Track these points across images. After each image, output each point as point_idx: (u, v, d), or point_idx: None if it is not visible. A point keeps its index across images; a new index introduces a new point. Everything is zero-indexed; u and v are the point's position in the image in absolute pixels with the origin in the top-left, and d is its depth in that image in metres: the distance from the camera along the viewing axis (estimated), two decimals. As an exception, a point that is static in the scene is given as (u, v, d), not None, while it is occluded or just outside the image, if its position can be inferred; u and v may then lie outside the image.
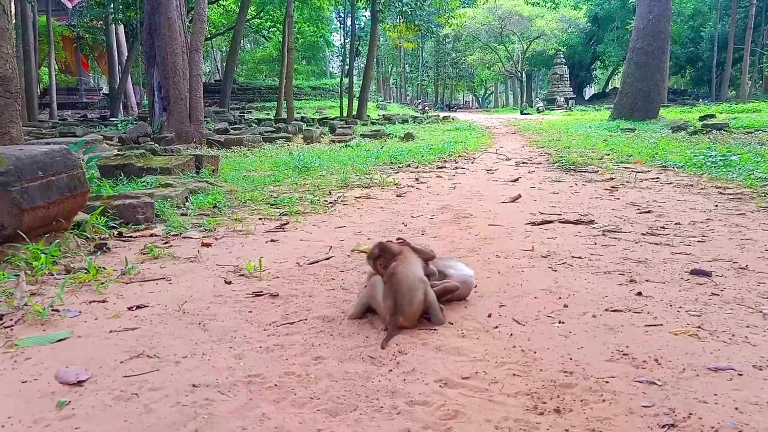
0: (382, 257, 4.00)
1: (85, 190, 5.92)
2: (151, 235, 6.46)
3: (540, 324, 3.67)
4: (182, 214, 7.57)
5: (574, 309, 3.90)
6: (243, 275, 4.86)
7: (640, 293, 4.15)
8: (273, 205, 8.43)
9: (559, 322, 3.67)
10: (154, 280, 4.74)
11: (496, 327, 3.65)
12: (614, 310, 3.83)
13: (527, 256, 5.39)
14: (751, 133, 19.60)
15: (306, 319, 3.80)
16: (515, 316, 3.83)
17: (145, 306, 4.08)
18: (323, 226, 6.94)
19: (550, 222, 6.94)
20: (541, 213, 7.54)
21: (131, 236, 6.39)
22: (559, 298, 4.13)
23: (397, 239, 4.16)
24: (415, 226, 6.89)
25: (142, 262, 5.30)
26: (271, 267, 5.13)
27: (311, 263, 5.26)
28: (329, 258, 5.43)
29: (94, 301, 4.20)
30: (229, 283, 4.63)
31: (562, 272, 4.78)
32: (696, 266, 4.84)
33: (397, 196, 9.42)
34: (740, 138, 18.02)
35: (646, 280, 4.49)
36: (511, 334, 3.52)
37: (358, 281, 4.66)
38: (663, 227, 6.55)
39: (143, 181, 9.85)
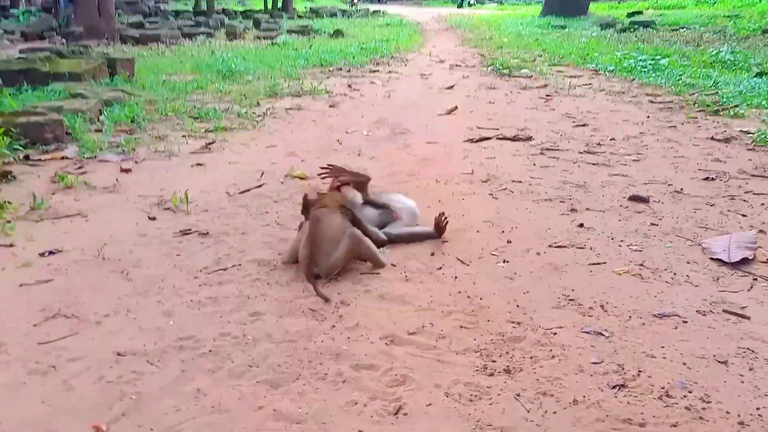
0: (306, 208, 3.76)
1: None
2: (63, 158, 5.92)
3: (484, 264, 3.57)
4: (97, 131, 6.97)
5: (517, 245, 3.81)
6: (168, 209, 4.52)
7: (582, 225, 4.10)
8: (197, 118, 7.88)
9: (504, 261, 3.58)
10: (69, 216, 4.34)
11: (440, 268, 3.53)
12: (558, 246, 3.77)
13: (467, 180, 5.24)
14: (677, 30, 19.75)
15: (240, 264, 3.56)
16: (459, 254, 3.71)
17: (60, 251, 3.73)
18: (253, 145, 6.55)
19: (488, 139, 6.78)
20: (479, 128, 7.36)
21: (39, 159, 5.83)
22: (502, 231, 4.03)
23: (328, 166, 3.88)
24: (350, 145, 6.59)
25: (53, 194, 4.85)
26: (199, 198, 4.79)
27: (242, 192, 4.94)
28: (261, 185, 5.13)
29: (1, 246, 3.79)
30: (154, 219, 4.29)
31: (503, 200, 4.68)
32: (634, 191, 4.82)
33: (330, 106, 9.01)
34: (666, 36, 18.14)
35: (587, 209, 4.45)
36: (456, 277, 3.40)
37: (294, 214, 4.41)
38: (599, 144, 6.51)
39: (50, 90, 9.01)
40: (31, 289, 3.25)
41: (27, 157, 5.84)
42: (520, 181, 5.14)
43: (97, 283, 3.33)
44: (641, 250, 3.70)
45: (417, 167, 5.67)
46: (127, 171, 5.48)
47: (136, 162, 5.77)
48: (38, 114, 6.54)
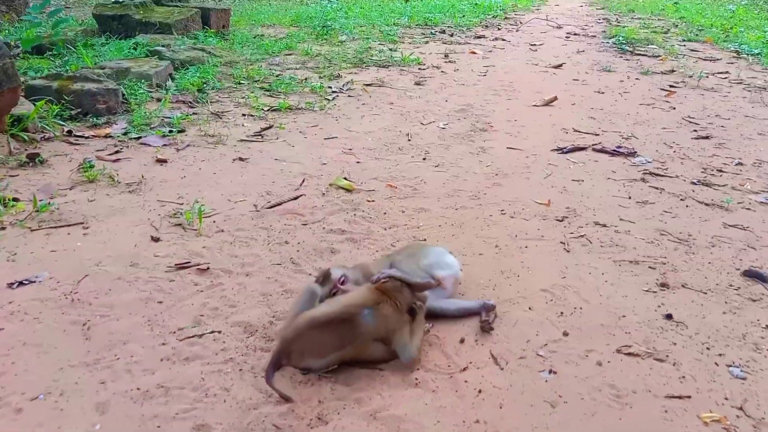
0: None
1: (15, 86, 4.91)
2: (107, 136, 5.51)
3: (524, 371, 2.73)
4: (158, 100, 6.52)
5: (575, 341, 2.93)
6: (180, 225, 3.94)
7: (670, 316, 3.11)
8: (268, 90, 7.30)
9: (550, 372, 2.71)
10: (69, 225, 3.87)
11: (465, 369, 2.73)
12: (629, 354, 2.85)
13: (540, 215, 4.30)
14: None
15: (220, 332, 2.92)
16: (495, 346, 2.88)
17: (31, 282, 3.24)
18: (311, 134, 5.86)
19: (583, 149, 5.72)
20: (576, 131, 6.28)
21: (82, 136, 5.45)
22: (561, 314, 3.14)
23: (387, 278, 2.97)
24: (419, 143, 5.76)
25: (70, 188, 4.41)
26: (221, 209, 4.19)
27: (272, 207, 4.28)
28: (298, 197, 4.44)
29: (-25, 266, 3.36)
30: (157, 240, 3.73)
31: (576, 255, 3.74)
32: (753, 260, 3.73)
33: (415, 84, 8.14)
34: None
35: (683, 285, 3.44)
36: (480, 391, 2.60)
37: (317, 249, 3.71)
38: (720, 170, 5.30)
39: (133, 43, 8.69)
40: (-27, 339, 2.77)
41: (69, 132, 5.46)
42: (605, 225, 4.14)
43: (48, 341, 2.82)
44: (745, 379, 2.71)
45: (485, 186, 4.78)
46: (162, 162, 4.97)
47: (177, 149, 5.25)
48: (94, 81, 6.15)
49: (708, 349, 2.89)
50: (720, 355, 2.85)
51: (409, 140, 5.86)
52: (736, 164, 5.46)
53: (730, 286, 3.45)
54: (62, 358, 2.72)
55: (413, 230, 4.04)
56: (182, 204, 4.22)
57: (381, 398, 2.54)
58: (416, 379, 2.67)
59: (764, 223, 4.27)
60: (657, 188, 4.85)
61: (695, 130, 6.47)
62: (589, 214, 4.34)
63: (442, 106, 7.14)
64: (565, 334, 2.98)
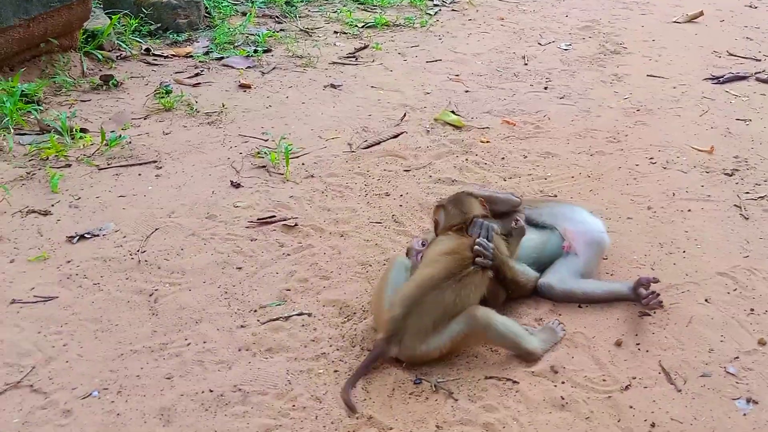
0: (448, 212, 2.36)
1: (86, -4, 4.34)
2: (187, 56, 4.94)
3: (708, 394, 2.05)
4: (243, 14, 5.88)
5: (778, 355, 2.15)
6: (264, 167, 3.35)
7: None
8: (362, 4, 6.46)
9: (749, 401, 1.98)
10: (141, 164, 3.38)
11: (627, 387, 2.06)
12: None
13: (701, 164, 3.44)
14: None
15: (310, 314, 2.37)
16: (665, 355, 2.17)
17: (94, 235, 2.76)
18: (411, 56, 5.08)
19: (743, 78, 4.66)
20: (731, 54, 5.17)
21: (161, 55, 4.91)
22: (752, 310, 2.38)
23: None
24: (537, 67, 4.88)
25: (145, 118, 3.91)
26: (312, 147, 3.59)
27: (369, 146, 3.62)
28: (398, 135, 3.75)
29: (33, 212, 2.92)
30: (237, 186, 3.18)
31: (758, 226, 2.91)
32: None
33: (528, -5, 7.05)
34: None
35: None
36: (654, 425, 1.92)
37: (423, 203, 3.06)
38: None
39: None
40: (20, 313, 2.31)
41: (148, 51, 4.92)
42: (792, 182, 3.23)
43: (108, 315, 2.34)
44: None
45: (625, 125, 3.92)
46: (246, 87, 4.37)
47: (262, 72, 4.63)
48: (177, -9, 5.52)
49: None
50: None
51: (526, 64, 4.98)
52: None
53: None
54: (124, 339, 2.24)
55: (539, 182, 3.30)
56: (266, 140, 3.63)
57: (518, 425, 1.91)
58: (562, 397, 2.01)
59: None
60: None
61: None
62: (765, 167, 3.43)
63: (563, 22, 6.11)
64: (762, 343, 2.22)
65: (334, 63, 4.87)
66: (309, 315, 2.34)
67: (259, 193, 3.13)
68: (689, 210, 3.03)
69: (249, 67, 4.72)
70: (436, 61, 4.98)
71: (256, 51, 4.95)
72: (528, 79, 4.67)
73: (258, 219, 2.90)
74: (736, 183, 3.27)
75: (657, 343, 2.24)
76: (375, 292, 2.26)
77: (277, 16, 5.97)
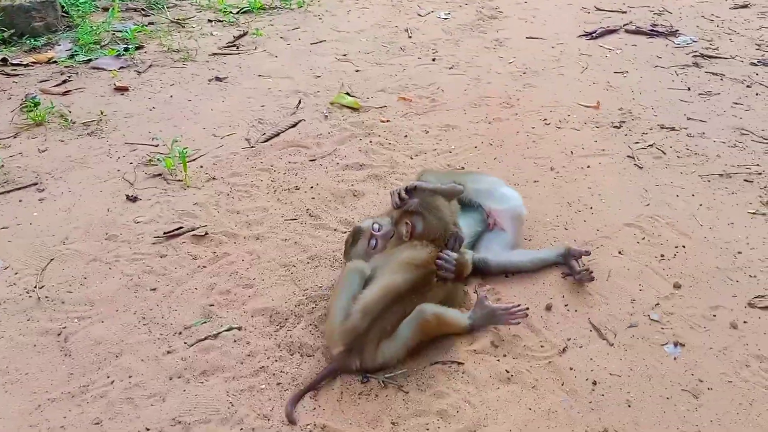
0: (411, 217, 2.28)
1: None
2: (50, 62, 4.53)
3: (639, 345, 2.15)
4: (104, 9, 5.46)
5: (693, 298, 2.33)
6: (160, 175, 3.14)
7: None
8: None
9: (676, 344, 2.11)
10: (20, 189, 3.07)
11: (564, 350, 2.12)
12: (765, 307, 2.24)
13: (591, 121, 3.59)
14: None
15: (240, 327, 2.25)
16: (593, 312, 2.26)
17: (-19, 277, 2.48)
18: (294, 39, 4.93)
19: (614, 31, 4.90)
20: (598, 9, 5.42)
21: (20, 64, 4.47)
22: (662, 256, 2.52)
23: (407, 192, 2.32)
24: (422, 40, 4.88)
25: (15, 136, 3.55)
26: (208, 147, 3.41)
27: (269, 139, 3.48)
28: (297, 124, 3.63)
29: None
30: (134, 200, 2.96)
31: (653, 172, 3.08)
32: None
33: (399, -34, 7.03)
34: None
35: (794, 202, 2.79)
36: (595, 383, 2.00)
37: (335, 192, 2.98)
38: (778, 45, 4.54)
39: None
40: None
41: (4, 61, 4.47)
42: (673, 129, 3.45)
43: (15, 364, 2.13)
44: None
45: (515, 89, 4.01)
46: (123, 90, 4.07)
47: (138, 72, 4.32)
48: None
49: None
50: None
51: (410, 37, 4.97)
52: (793, 36, 4.70)
53: None
54: (38, 388, 2.04)
55: (445, 156, 3.31)
56: (157, 146, 3.41)
57: (471, 407, 1.92)
58: (507, 371, 2.04)
59: None
60: (715, 74, 4.12)
61: (731, -2, 5.64)
62: (648, 115, 3.62)
63: (439, -10, 6.14)
64: (677, 286, 2.35)
65: (214, 54, 4.65)
66: (239, 329, 2.23)
67: (159, 204, 2.94)
68: (588, 166, 3.15)
69: (122, 67, 4.41)
70: (320, 42, 4.87)
71: (127, 49, 4.62)
72: (415, 52, 4.66)
73: (164, 233, 2.72)
74: (625, 134, 3.43)
75: (583, 301, 2.32)
76: (330, 303, 2.15)
77: (143, 9, 5.61)
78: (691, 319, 2.21)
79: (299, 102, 3.87)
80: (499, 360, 2.09)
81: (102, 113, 3.73)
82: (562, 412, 1.90)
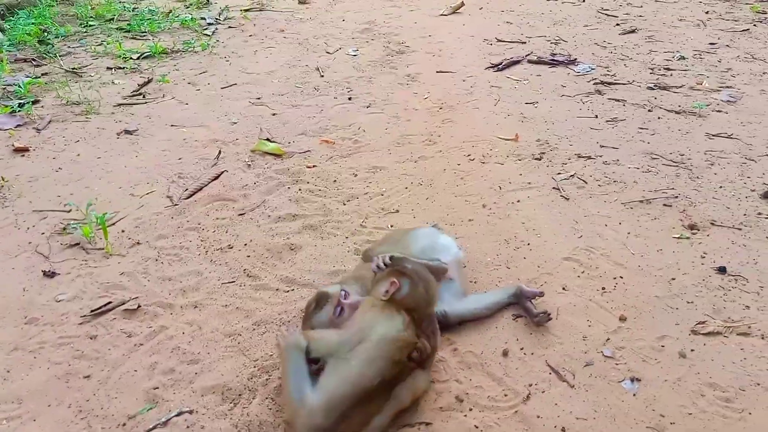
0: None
1: None
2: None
3: (600, 386, 2.18)
4: (-10, 61, 5.09)
5: (639, 330, 2.41)
6: (78, 244, 2.92)
7: (723, 270, 2.66)
8: (128, 31, 5.96)
9: (633, 380, 2.16)
10: None
11: (528, 397, 2.12)
12: (707, 333, 2.36)
13: (512, 154, 3.69)
14: None
15: (191, 411, 2.09)
16: (548, 353, 2.30)
17: None
18: (203, 84, 4.78)
19: (518, 62, 5.08)
20: (499, 40, 5.62)
21: None
22: (603, 289, 2.59)
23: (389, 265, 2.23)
24: (335, 79, 4.87)
25: None
26: (127, 208, 3.21)
27: (191, 195, 3.33)
28: (219, 176, 3.50)
29: None
30: (52, 275, 2.72)
31: (578, 204, 3.18)
32: (761, 179, 3.34)
33: (300, 2, 7.05)
34: None
35: (712, 222, 3.01)
36: (564, 429, 1.98)
37: (271, 247, 2.87)
38: (667, 68, 4.89)
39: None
40: None
41: None
42: (590, 157, 3.60)
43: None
44: None
45: (434, 125, 4.07)
46: (23, 151, 3.78)
47: (37, 130, 4.04)
48: None
49: (785, 310, 2.44)
50: (801, 314, 2.41)
51: (322, 76, 4.95)
52: (679, 58, 5.08)
53: (759, 214, 3.04)
54: None
55: (378, 199, 3.29)
56: (70, 211, 3.18)
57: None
58: (476, 426, 2.01)
59: (745, 127, 3.90)
60: (617, 100, 4.35)
61: (618, 24, 6.06)
62: (565, 145, 3.76)
63: (342, 27, 6.20)
64: (623, 319, 2.42)
65: (120, 105, 4.42)
66: (190, 412, 2.08)
67: (81, 277, 2.72)
68: (518, 201, 3.21)
69: (18, 125, 4.11)
70: (231, 85, 4.76)
71: (21, 105, 4.32)
72: (330, 92, 4.64)
73: (91, 310, 2.52)
74: (547, 166, 3.54)
75: (538, 342, 2.33)
76: (283, 384, 2.01)
77: (33, 59, 5.28)
78: (641, 351, 2.27)
79: (219, 152, 3.74)
80: (466, 415, 2.06)
81: (3, 179, 3.44)
82: (536, 465, 1.89)
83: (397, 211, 3.18)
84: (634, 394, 2.11)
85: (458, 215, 3.12)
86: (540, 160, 3.61)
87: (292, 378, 1.91)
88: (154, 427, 2.02)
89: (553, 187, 3.32)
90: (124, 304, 2.55)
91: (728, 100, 4.26)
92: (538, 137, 3.86)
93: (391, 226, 3.04)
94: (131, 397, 2.14)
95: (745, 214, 3.03)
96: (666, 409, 2.05)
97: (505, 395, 2.14)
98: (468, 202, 3.24)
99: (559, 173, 3.46)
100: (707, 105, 4.18)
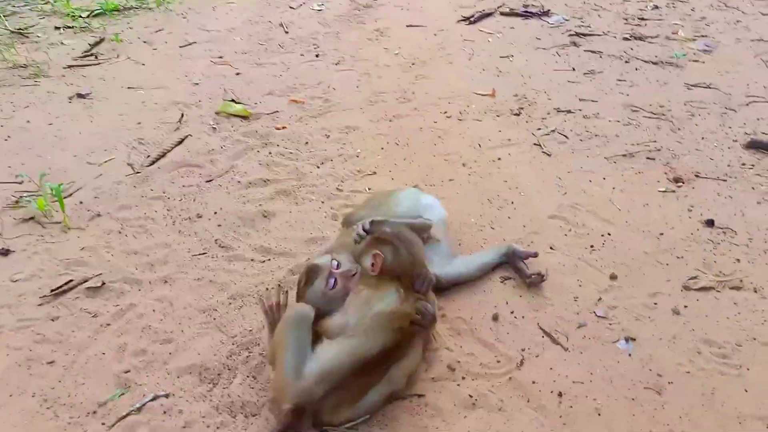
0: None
1: None
2: None
3: (595, 348, 2.11)
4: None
5: (631, 288, 2.34)
6: (32, 219, 2.72)
7: (711, 223, 2.59)
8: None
9: (627, 339, 2.08)
10: None
11: (522, 363, 2.03)
12: (699, 289, 2.30)
13: (491, 110, 3.57)
14: None
15: (167, 395, 1.95)
16: (539, 316, 2.20)
17: None
18: (160, 42, 4.52)
19: (489, 15, 4.90)
20: (468, -9, 5.39)
21: None
22: (592, 248, 2.52)
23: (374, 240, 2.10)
24: (301, 35, 4.65)
25: None
26: (85, 177, 3.02)
27: (154, 162, 3.13)
28: (183, 141, 3.30)
29: None
30: (6, 253, 2.53)
31: (561, 160, 3.09)
32: (740, 123, 3.30)
33: (259, -45, 6.68)
34: None
35: (696, 175, 2.95)
36: (561, 394, 1.93)
37: (242, 214, 2.71)
38: (641, 18, 4.78)
39: None
40: None
41: None
42: (569, 111, 3.49)
43: None
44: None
45: (408, 82, 3.91)
46: (-33, 119, 3.49)
47: (-17, 96, 3.73)
48: None
49: (775, 265, 2.39)
50: (794, 265, 2.36)
51: (287, 32, 4.72)
52: (653, 8, 4.96)
53: (743, 165, 2.98)
54: None
55: (353, 161, 3.14)
56: (22, 182, 2.96)
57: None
58: (470, 395, 1.92)
59: (723, 76, 3.83)
60: (593, 52, 4.23)
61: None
62: (543, 99, 3.64)
63: (304, -20, 5.88)
64: (613, 277, 2.35)
65: (70, 67, 4.14)
66: (166, 396, 1.95)
67: (38, 255, 2.54)
68: (499, 158, 3.10)
69: (-36, 92, 3.81)
70: (190, 44, 4.50)
71: (-34, 70, 4.00)
72: (296, 49, 4.42)
73: (51, 290, 2.34)
74: (526, 121, 3.43)
75: (528, 305, 2.25)
76: (272, 352, 1.89)
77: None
78: (634, 310, 2.20)
79: (182, 115, 3.52)
80: (459, 385, 1.97)
81: (-55, 151, 3.18)
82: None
83: (375, 172, 3.04)
84: (630, 354, 2.04)
85: (438, 175, 2.99)
86: (519, 115, 3.49)
87: (294, 350, 1.79)
88: (128, 414, 1.89)
89: (534, 144, 3.21)
90: (86, 281, 2.38)
91: (704, 50, 4.18)
92: (515, 92, 3.73)
93: (369, 189, 2.90)
94: (100, 382, 2.00)
95: (729, 165, 2.97)
96: (663, 368, 1.99)
97: (498, 361, 2.05)
98: (447, 161, 3.11)
99: (539, 129, 3.35)
100: (685, 55, 4.08)
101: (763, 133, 3.21)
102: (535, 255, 2.35)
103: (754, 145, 3.08)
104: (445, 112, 3.53)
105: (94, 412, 1.91)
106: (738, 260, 2.40)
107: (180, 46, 4.46)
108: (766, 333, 2.08)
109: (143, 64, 4.18)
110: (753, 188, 2.80)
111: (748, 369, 1.97)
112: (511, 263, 2.36)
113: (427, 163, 3.09)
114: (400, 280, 1.94)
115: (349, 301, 1.92)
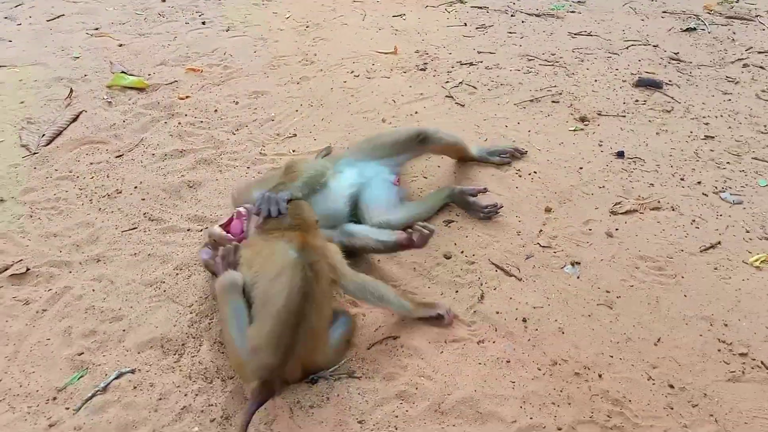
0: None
1: None
2: None
3: (546, 275, 2.23)
4: None
5: (565, 217, 2.50)
6: None
7: (621, 154, 2.83)
8: None
9: (573, 264, 2.22)
10: None
11: (482, 297, 2.10)
12: (625, 212, 2.49)
13: (396, 68, 3.62)
14: None
15: (133, 370, 1.83)
16: (487, 252, 2.29)
17: None
18: (24, 18, 4.17)
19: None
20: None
21: None
22: (523, 185, 2.61)
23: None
24: (180, 3, 4.47)
25: None
26: (-27, 167, 2.68)
27: (50, 141, 2.88)
28: (78, 117, 3.06)
29: None
30: None
31: (474, 109, 3.22)
32: (624, 65, 3.58)
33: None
34: None
35: (598, 113, 3.17)
36: (525, 320, 2.03)
37: (166, 186, 2.57)
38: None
39: None
40: None
41: None
42: (472, 63, 3.61)
43: None
44: (741, 202, 2.53)
45: (306, 44, 3.86)
46: None
47: None
48: None
49: (682, 179, 2.66)
50: (698, 183, 2.64)
51: (164, 1, 4.45)
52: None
53: (637, 101, 3.25)
54: None
55: (270, 125, 3.07)
56: None
57: (428, 380, 1.84)
58: (441, 332, 1.98)
59: (600, 24, 4.13)
60: (480, 8, 4.41)
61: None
62: (444, 54, 3.74)
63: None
64: (548, 210, 2.49)
65: None
66: (132, 372, 1.83)
67: (-60, 248, 2.25)
68: (416, 112, 3.15)
69: None
70: (58, 17, 4.14)
71: None
72: (178, 17, 4.21)
73: (-31, 283, 2.09)
74: (433, 75, 3.50)
75: (476, 244, 2.33)
76: (223, 333, 1.82)
77: None
78: (573, 237, 2.35)
79: (71, 91, 3.25)
80: (429, 324, 2.01)
81: None
82: (509, 356, 1.90)
83: (295, 135, 2.98)
84: (578, 277, 2.18)
85: (361, 132, 2.98)
86: (425, 70, 3.55)
87: (235, 325, 1.73)
88: (94, 395, 1.75)
89: (446, 96, 3.29)
90: (8, 269, 2.17)
91: (579, 1, 4.45)
92: (416, 48, 3.79)
93: (294, 152, 2.84)
94: (52, 368, 1.84)
95: (624, 103, 3.22)
96: (609, 285, 2.15)
97: (461, 297, 2.11)
98: (366, 118, 3.11)
99: (447, 82, 3.43)
100: (563, 6, 4.33)
101: (647, 72, 3.49)
102: (485, 191, 2.43)
103: (642, 83, 3.35)
104: (352, 72, 3.52)
105: (54, 399, 1.75)
106: (652, 185, 2.62)
107: (47, 20, 4.10)
108: (691, 244, 2.30)
109: (10, 41, 3.80)
110: (650, 121, 3.06)
111: (683, 277, 2.17)
112: (460, 202, 2.42)
113: (347, 121, 3.08)
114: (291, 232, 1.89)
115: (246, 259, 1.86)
